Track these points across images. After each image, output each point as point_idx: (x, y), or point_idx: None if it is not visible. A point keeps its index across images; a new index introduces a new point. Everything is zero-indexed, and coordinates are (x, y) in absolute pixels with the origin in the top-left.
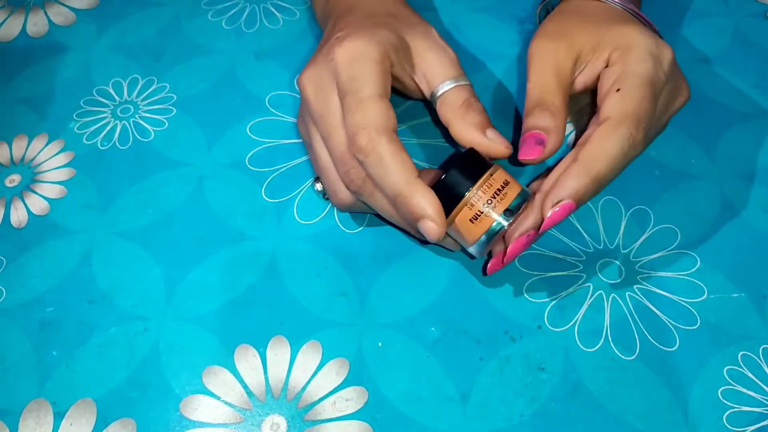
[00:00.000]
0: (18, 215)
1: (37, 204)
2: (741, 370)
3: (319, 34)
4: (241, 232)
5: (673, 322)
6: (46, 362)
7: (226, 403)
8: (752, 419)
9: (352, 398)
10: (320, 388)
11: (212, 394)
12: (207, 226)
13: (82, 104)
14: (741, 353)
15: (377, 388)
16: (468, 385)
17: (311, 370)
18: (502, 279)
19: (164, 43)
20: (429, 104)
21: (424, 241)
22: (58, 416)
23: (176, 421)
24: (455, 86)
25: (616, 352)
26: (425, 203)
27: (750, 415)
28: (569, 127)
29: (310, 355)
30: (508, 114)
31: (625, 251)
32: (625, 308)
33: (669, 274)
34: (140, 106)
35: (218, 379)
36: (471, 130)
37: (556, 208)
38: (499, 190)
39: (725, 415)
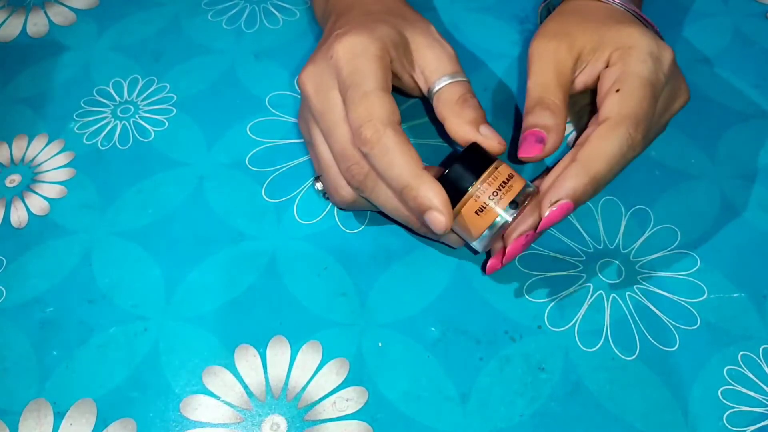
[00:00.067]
0: (18, 215)
1: (37, 204)
2: (741, 370)
3: (318, 34)
4: (241, 232)
5: (673, 322)
6: (46, 362)
7: (226, 403)
8: (752, 419)
9: (352, 398)
10: (320, 388)
11: (212, 394)
12: (207, 226)
13: (82, 104)
14: (741, 353)
15: (377, 388)
16: (468, 385)
17: (311, 370)
18: (502, 279)
19: (164, 43)
20: (428, 104)
21: (425, 238)
22: (58, 416)
23: (176, 421)
24: (452, 82)
25: (616, 352)
26: (432, 195)
27: (750, 415)
28: (569, 127)
29: (310, 355)
30: (509, 114)
31: (625, 251)
32: (625, 308)
33: (669, 274)
34: (140, 106)
35: (218, 379)
36: (465, 126)
37: (554, 208)
38: (504, 183)
39: (725, 415)
